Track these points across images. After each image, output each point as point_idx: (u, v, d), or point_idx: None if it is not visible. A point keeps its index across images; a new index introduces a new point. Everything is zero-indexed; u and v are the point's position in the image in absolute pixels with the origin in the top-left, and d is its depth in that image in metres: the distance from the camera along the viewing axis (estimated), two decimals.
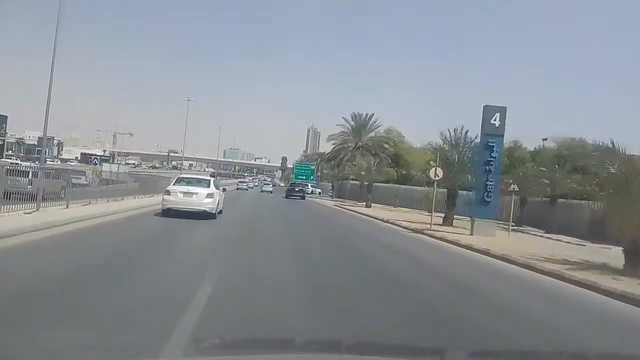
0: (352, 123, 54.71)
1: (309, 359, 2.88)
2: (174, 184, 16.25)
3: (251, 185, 69.58)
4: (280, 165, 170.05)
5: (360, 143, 52.26)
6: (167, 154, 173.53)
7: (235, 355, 3.28)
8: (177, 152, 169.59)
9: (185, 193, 15.20)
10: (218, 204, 16.10)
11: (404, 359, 3.43)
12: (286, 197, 41.65)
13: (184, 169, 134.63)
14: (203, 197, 15.16)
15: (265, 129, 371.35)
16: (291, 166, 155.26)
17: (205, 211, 14.92)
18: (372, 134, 53.68)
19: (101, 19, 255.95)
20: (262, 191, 53.71)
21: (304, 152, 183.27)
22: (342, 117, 56.19)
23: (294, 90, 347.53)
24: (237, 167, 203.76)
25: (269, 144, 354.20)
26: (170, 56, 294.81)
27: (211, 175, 39.51)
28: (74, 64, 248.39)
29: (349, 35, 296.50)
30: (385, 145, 49.86)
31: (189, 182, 16.63)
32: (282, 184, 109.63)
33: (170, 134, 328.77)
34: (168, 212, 14.79)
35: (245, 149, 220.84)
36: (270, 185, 61.19)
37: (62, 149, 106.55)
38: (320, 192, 57.56)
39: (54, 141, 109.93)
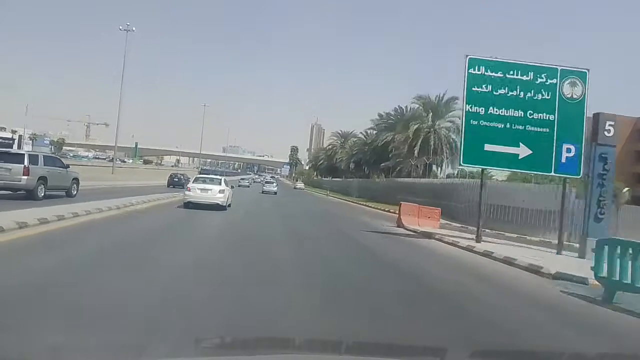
0: None
1: (309, 359, 3.02)
2: (192, 182, 19.68)
3: (250, 182, 66.31)
4: (288, 159, 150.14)
5: None
6: (145, 147, 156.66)
7: (236, 355, 3.46)
8: (176, 147, 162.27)
9: (202, 189, 18.59)
10: (228, 199, 19.61)
11: (404, 359, 3.60)
12: None
13: (161, 164, 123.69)
14: (216, 193, 18.53)
15: (266, 126, 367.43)
16: (304, 164, 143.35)
17: (218, 204, 18.33)
18: None
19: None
20: (263, 192, 43.52)
21: (307, 150, 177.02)
22: None
23: (297, 85, 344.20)
24: (236, 164, 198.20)
25: (269, 141, 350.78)
26: (170, 51, 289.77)
27: (199, 173, 42.78)
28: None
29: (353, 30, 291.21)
30: None
31: (204, 180, 20.00)
32: (301, 186, 77.52)
33: (162, 127, 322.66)
34: (188, 205, 18.12)
35: (247, 147, 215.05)
36: (274, 184, 48.28)
37: None
38: None
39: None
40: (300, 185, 77.25)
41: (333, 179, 74.94)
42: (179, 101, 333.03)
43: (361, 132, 64.84)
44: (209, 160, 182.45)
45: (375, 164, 51.93)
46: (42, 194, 16.04)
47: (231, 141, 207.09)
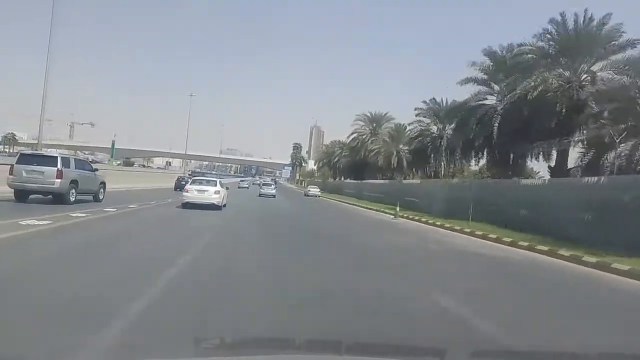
0: None
1: (309, 359, 3.07)
2: (190, 184, 21.65)
3: (248, 184, 70.95)
4: (290, 158, 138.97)
5: None
6: (149, 149, 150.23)
7: (235, 355, 3.56)
8: (169, 149, 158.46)
9: (198, 191, 20.45)
10: (223, 199, 21.30)
11: (404, 359, 3.65)
12: None
13: (152, 166, 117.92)
14: (212, 194, 20.36)
15: (264, 129, 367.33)
16: (309, 163, 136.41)
17: (213, 204, 20.15)
18: None
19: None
20: (260, 195, 41.39)
21: (307, 152, 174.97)
22: None
23: (295, 87, 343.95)
24: (233, 167, 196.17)
25: (267, 144, 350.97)
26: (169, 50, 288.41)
27: (190, 176, 44.72)
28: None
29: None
30: None
31: (200, 182, 21.95)
32: (316, 191, 54.23)
33: (155, 129, 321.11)
34: (186, 205, 19.81)
35: (244, 150, 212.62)
36: (272, 187, 45.88)
37: None
38: None
39: None
40: (314, 190, 54.26)
41: (362, 180, 52.30)
42: (175, 101, 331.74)
43: (424, 101, 40.27)
44: (205, 162, 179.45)
45: (502, 146, 24.94)
46: (74, 198, 15.80)
47: (228, 144, 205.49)
